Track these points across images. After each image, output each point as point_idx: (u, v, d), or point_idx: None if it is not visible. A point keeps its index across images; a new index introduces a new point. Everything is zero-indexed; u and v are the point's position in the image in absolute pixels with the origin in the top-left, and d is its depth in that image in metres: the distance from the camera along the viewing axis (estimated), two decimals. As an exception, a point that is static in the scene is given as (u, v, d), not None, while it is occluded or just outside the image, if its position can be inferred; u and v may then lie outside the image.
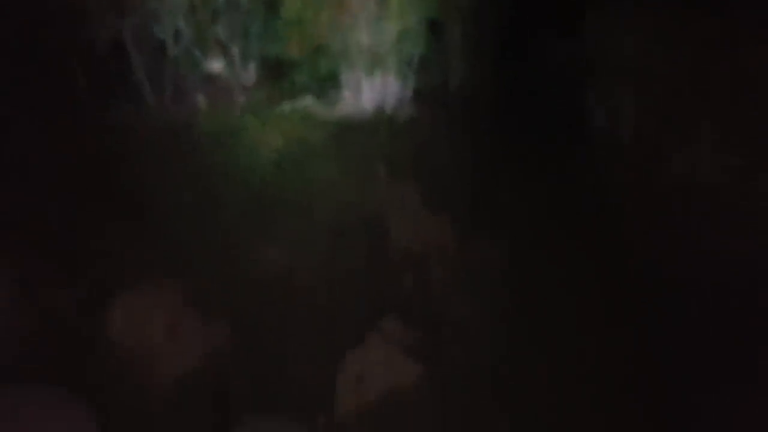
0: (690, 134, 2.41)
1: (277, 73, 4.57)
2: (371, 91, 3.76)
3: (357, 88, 4.37)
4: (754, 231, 2.07)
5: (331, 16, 4.43)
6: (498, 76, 4.10)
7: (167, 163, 2.32)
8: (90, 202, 2.16)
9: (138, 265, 2.04)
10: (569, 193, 2.14)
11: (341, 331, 1.88)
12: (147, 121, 2.81)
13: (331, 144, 2.28)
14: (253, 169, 2.28)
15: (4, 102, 2.68)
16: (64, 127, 2.41)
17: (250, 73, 4.57)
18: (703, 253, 2.01)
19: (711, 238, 2.05)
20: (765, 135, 2.47)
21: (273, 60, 4.64)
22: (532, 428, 1.66)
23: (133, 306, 1.98)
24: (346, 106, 3.45)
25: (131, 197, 2.19)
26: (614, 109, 2.53)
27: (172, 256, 2.07)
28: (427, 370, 1.82)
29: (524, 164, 2.09)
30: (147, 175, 2.25)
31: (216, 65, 4.62)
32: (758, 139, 2.43)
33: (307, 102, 3.56)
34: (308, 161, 2.25)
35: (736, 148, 2.44)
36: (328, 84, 4.38)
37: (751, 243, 2.05)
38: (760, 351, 1.80)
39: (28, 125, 2.53)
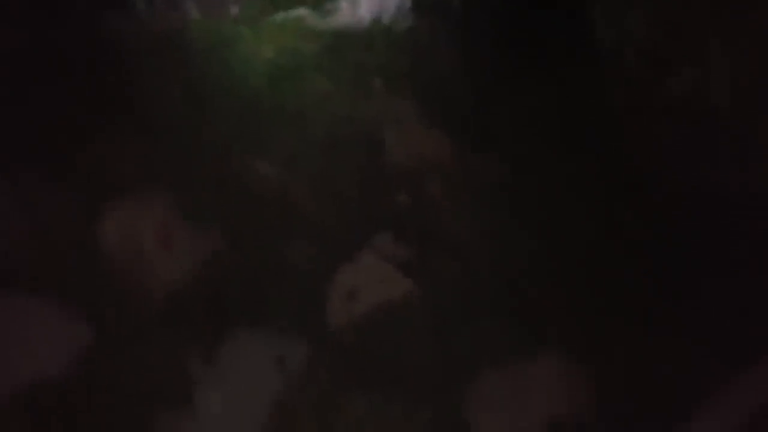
0: (698, 53, 2.34)
1: (272, -17, 4.41)
2: (369, 0, 3.63)
3: (354, -1, 4.22)
4: (753, 152, 2.04)
5: None
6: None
7: (158, 73, 2.26)
8: (80, 111, 2.10)
9: (129, 176, 2.01)
10: (570, 110, 2.09)
11: (334, 245, 1.87)
12: (137, 29, 2.72)
13: (326, 55, 2.21)
14: (246, 80, 2.22)
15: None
16: (50, 35, 2.34)
17: (244, -17, 4.41)
18: (700, 171, 1.99)
19: (709, 156, 2.02)
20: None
21: (268, -31, 4.47)
22: (524, 340, 1.68)
23: (124, 215, 1.96)
24: (342, 17, 3.34)
25: (121, 107, 2.13)
26: (620, 25, 2.45)
27: (163, 167, 2.03)
28: (420, 285, 1.83)
29: (526, 79, 2.04)
30: (137, 84, 2.19)
31: (208, -27, 4.45)
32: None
33: (302, 12, 3.45)
34: (302, 73, 2.18)
35: (745, 70, 2.38)
36: (324, -5, 4.24)
37: (748, 163, 2.03)
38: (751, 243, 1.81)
39: (14, 35, 2.45)
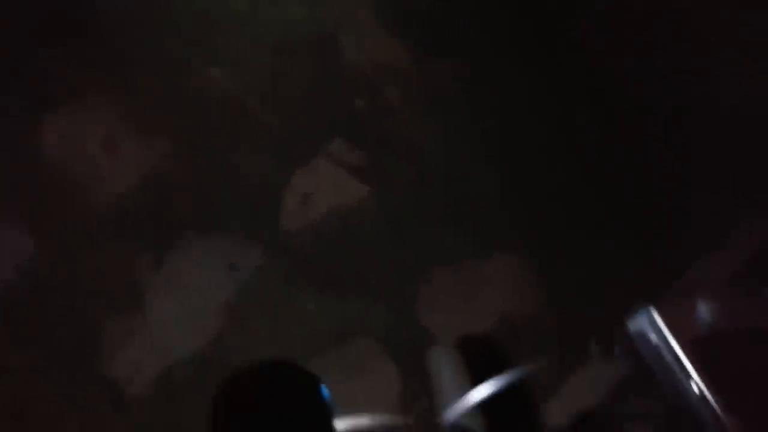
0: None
1: None
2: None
3: None
4: (717, 59, 2.00)
5: None
6: None
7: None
8: (25, 24, 1.98)
9: (75, 85, 1.92)
10: (531, 18, 2.01)
11: (288, 151, 1.82)
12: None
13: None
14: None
15: None
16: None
17: None
18: (662, 80, 1.95)
19: (671, 65, 1.98)
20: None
21: None
22: (477, 241, 1.67)
23: (68, 124, 1.88)
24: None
25: (70, 20, 2.01)
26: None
27: (110, 77, 1.94)
28: (375, 190, 1.80)
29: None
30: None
31: None
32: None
33: None
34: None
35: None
36: None
37: (712, 71, 1.99)
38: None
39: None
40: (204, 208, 1.71)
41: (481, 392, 0.44)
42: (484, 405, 0.37)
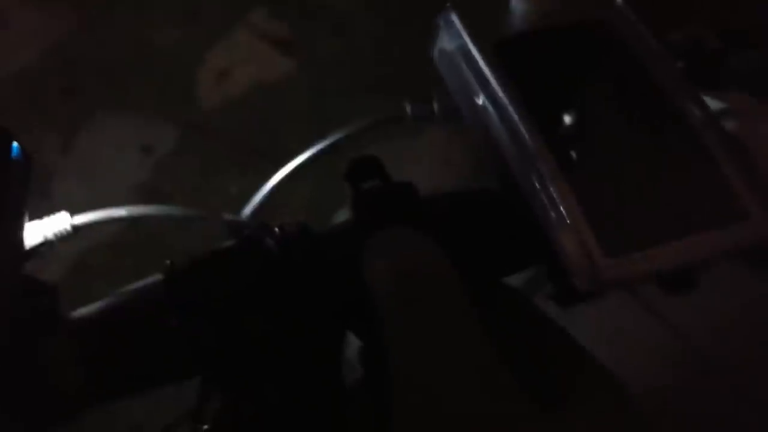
0: None
1: None
2: None
3: None
4: None
5: None
6: None
7: None
8: None
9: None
10: None
11: (203, 23, 1.68)
12: None
13: None
14: None
15: None
16: None
17: None
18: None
19: None
20: None
21: None
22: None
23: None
24: None
25: None
26: None
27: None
28: (298, 63, 1.68)
29: None
30: None
31: None
32: None
33: None
34: None
35: None
36: None
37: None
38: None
39: None
40: (114, 86, 1.58)
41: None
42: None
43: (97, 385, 0.28)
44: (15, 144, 0.28)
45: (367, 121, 0.41)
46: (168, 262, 0.30)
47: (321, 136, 1.49)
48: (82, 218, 0.35)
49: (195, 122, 1.57)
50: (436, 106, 0.37)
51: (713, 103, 0.37)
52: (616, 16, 0.33)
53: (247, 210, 0.42)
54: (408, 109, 0.38)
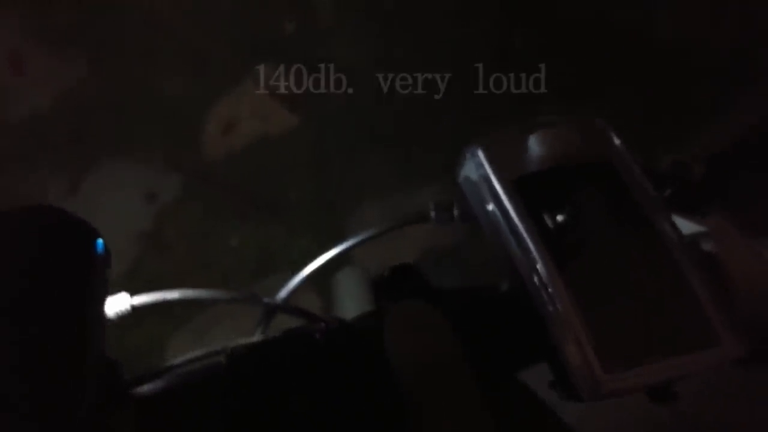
0: None
1: None
2: None
3: None
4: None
5: None
6: None
7: None
8: None
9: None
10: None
11: (212, 75, 1.74)
12: None
13: None
14: None
15: None
16: None
17: None
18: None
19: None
20: None
21: None
22: (407, 173, 1.64)
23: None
24: None
25: None
26: None
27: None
28: (303, 118, 1.74)
29: None
30: None
31: None
32: None
33: None
34: None
35: None
36: None
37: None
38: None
39: None
40: (122, 133, 1.63)
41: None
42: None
43: None
44: (100, 240, 0.31)
45: (395, 222, 0.46)
46: (229, 346, 0.34)
47: (321, 194, 1.54)
48: (140, 299, 0.39)
49: (199, 171, 1.61)
50: (455, 212, 0.43)
51: (694, 227, 0.43)
52: (615, 156, 0.39)
53: (283, 293, 0.47)
54: (432, 213, 0.43)
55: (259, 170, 1.65)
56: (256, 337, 0.39)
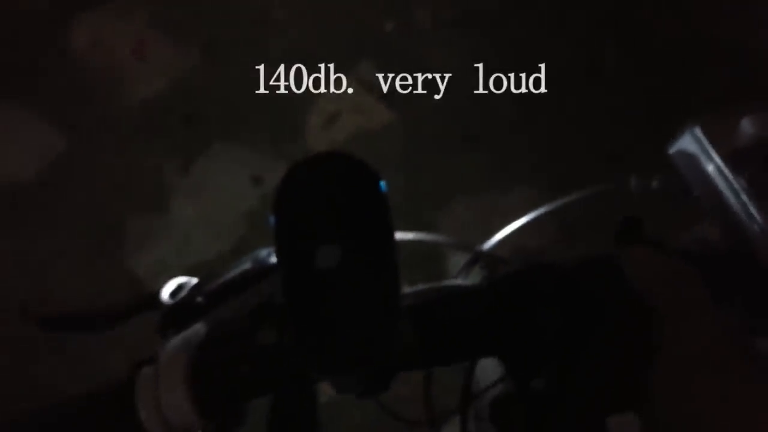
0: None
1: None
2: None
3: None
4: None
5: None
6: None
7: None
8: None
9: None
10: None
11: (316, 70, 1.83)
12: None
13: None
14: None
15: None
16: None
17: None
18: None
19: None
20: None
21: None
22: (498, 174, 1.70)
23: (100, 25, 1.89)
24: None
25: None
26: None
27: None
28: (400, 115, 1.82)
29: None
30: None
31: None
32: None
33: None
34: None
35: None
36: None
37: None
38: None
39: None
40: (231, 120, 1.74)
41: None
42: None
43: None
44: (382, 182, 0.37)
45: (591, 190, 0.52)
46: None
47: (413, 190, 1.61)
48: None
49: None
50: (654, 183, 0.49)
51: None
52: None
53: (488, 245, 0.53)
54: (633, 183, 0.49)
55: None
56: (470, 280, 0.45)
